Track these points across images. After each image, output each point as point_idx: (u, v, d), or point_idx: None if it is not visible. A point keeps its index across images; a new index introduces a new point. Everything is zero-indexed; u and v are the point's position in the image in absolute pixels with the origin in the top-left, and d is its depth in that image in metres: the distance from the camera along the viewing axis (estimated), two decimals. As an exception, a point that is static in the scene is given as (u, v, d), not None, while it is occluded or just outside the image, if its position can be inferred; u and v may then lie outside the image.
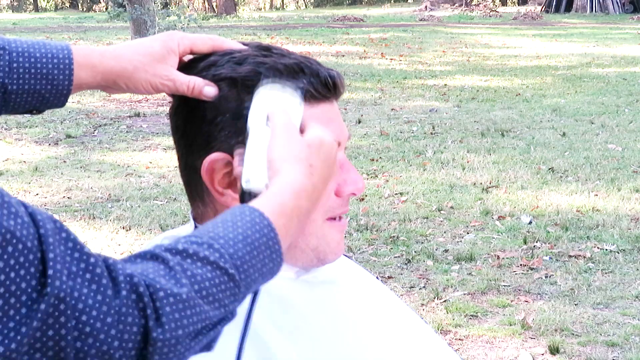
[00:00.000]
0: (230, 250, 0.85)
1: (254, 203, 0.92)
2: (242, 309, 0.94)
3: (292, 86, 1.04)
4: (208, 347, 0.87)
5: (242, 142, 1.03)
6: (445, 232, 5.24)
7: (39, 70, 1.04)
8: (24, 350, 0.74)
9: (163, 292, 0.80)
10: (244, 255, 0.86)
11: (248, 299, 0.93)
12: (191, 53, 1.12)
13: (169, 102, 1.16)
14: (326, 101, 1.10)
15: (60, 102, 1.07)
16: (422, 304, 4.18)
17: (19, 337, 0.73)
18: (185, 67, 1.11)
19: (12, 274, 0.73)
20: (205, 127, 1.07)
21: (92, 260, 0.79)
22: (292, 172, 0.95)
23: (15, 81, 1.03)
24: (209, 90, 1.07)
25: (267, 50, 1.10)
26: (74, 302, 0.76)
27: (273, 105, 1.02)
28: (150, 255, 0.84)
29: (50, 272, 0.75)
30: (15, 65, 1.03)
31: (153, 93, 1.11)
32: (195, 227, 1.13)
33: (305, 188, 0.95)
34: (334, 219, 1.13)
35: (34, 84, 1.04)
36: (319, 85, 1.08)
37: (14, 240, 0.74)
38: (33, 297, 0.74)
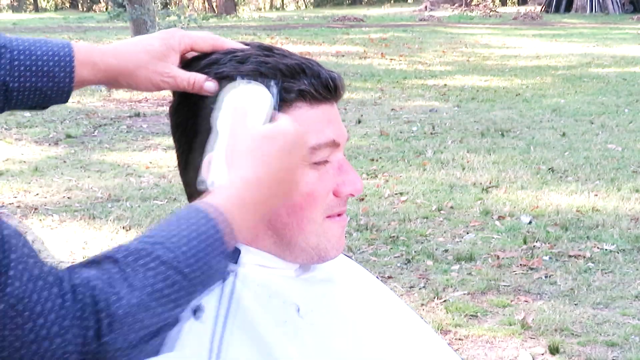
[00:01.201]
0: (183, 248, 0.86)
1: (203, 200, 0.93)
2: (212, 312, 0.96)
3: (260, 83, 1.05)
4: (156, 351, 0.87)
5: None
6: (445, 232, 5.25)
7: (40, 68, 1.04)
8: None
9: (115, 296, 0.80)
10: (197, 253, 0.87)
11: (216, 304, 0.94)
12: (192, 51, 1.13)
13: (169, 102, 1.16)
14: (326, 102, 1.10)
15: (62, 98, 1.07)
16: (422, 304, 4.19)
17: None
18: (187, 65, 1.11)
19: None
20: (206, 125, 1.07)
21: (45, 268, 0.80)
22: (244, 164, 0.97)
23: (16, 79, 1.03)
24: (210, 85, 1.07)
25: (269, 50, 1.10)
26: (33, 304, 0.76)
27: (233, 106, 1.03)
28: (104, 258, 0.84)
29: (11, 272, 0.75)
30: (16, 63, 1.03)
31: (154, 90, 1.12)
32: None
33: (258, 177, 0.96)
34: (334, 216, 1.14)
35: (36, 82, 1.04)
36: (320, 86, 1.09)
37: None
38: None
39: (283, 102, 1.06)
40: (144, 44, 1.10)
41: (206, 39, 1.12)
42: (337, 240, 1.13)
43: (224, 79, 1.07)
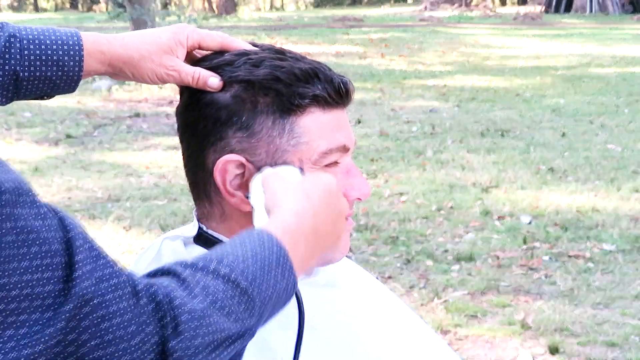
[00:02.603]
0: (240, 265, 0.84)
1: (259, 227, 0.92)
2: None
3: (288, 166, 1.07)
4: None
5: (256, 146, 1.06)
6: (445, 232, 5.25)
7: (49, 57, 1.05)
8: (48, 354, 0.72)
9: (179, 300, 0.79)
10: (255, 271, 0.85)
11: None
12: (200, 48, 1.13)
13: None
14: (338, 107, 1.11)
15: (71, 87, 1.08)
16: (422, 304, 4.19)
17: (44, 339, 0.72)
18: (198, 62, 1.12)
19: (37, 275, 0.72)
20: (219, 127, 1.08)
21: (116, 268, 0.78)
22: (291, 199, 0.96)
23: (27, 68, 1.04)
24: (214, 81, 1.08)
25: (281, 53, 1.10)
26: (98, 307, 0.75)
27: (267, 175, 1.05)
28: (162, 272, 0.84)
29: (77, 273, 0.74)
30: (26, 52, 1.04)
31: (158, 83, 1.12)
32: (200, 227, 1.14)
33: (304, 208, 0.95)
34: None
35: (45, 71, 1.05)
36: (333, 91, 1.09)
37: (39, 242, 0.73)
38: (58, 301, 0.73)
39: (297, 107, 1.07)
40: (153, 36, 1.10)
41: (215, 36, 1.12)
42: (343, 244, 1.14)
43: (239, 83, 1.07)
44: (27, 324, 0.72)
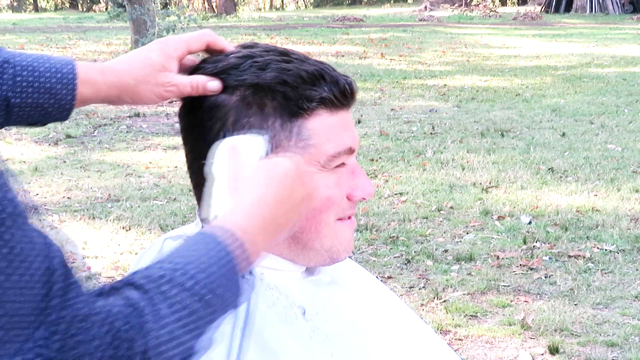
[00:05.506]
0: (202, 275, 0.85)
1: (214, 226, 0.92)
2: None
3: (254, 132, 1.06)
4: None
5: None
6: (444, 232, 5.25)
7: (42, 85, 1.04)
8: None
9: (145, 325, 0.79)
10: (217, 279, 0.86)
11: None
12: (189, 54, 1.13)
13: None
14: (344, 109, 1.12)
15: (63, 116, 1.07)
16: (422, 304, 4.19)
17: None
18: (198, 69, 1.12)
19: (23, 294, 0.72)
20: (227, 130, 1.08)
21: (88, 300, 0.79)
22: (247, 189, 0.97)
23: (18, 94, 1.03)
24: (213, 84, 1.08)
25: (286, 55, 1.10)
26: (68, 337, 0.75)
27: (228, 147, 1.05)
28: (125, 285, 0.83)
29: (69, 295, 0.75)
30: (19, 78, 1.03)
31: (159, 102, 1.12)
32: (203, 227, 1.14)
33: (262, 197, 0.95)
34: (345, 219, 1.16)
35: (37, 98, 1.04)
36: (339, 93, 1.10)
37: (27, 262, 0.73)
38: (40, 319, 0.73)
39: (304, 110, 1.07)
40: (142, 58, 1.10)
41: (199, 37, 1.13)
42: (347, 242, 1.16)
43: (246, 86, 1.07)
44: (9, 344, 0.72)
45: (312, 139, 1.08)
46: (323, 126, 1.09)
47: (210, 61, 1.12)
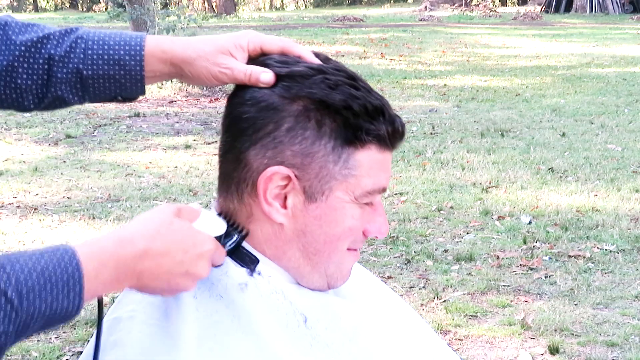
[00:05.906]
0: (20, 276, 0.87)
1: (69, 244, 0.94)
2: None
3: (227, 226, 1.10)
4: None
5: (309, 165, 1.07)
6: (444, 232, 5.24)
7: (111, 57, 1.10)
8: None
9: None
10: (34, 285, 0.88)
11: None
12: (261, 51, 1.14)
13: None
14: (391, 150, 1.14)
15: (138, 88, 1.12)
16: (422, 304, 4.18)
17: None
18: (261, 62, 1.13)
19: None
20: (279, 134, 1.08)
21: None
22: (128, 226, 1.00)
23: (89, 67, 1.10)
24: (266, 76, 1.09)
25: (354, 80, 1.11)
26: None
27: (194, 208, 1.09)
28: None
29: None
30: (90, 52, 1.10)
31: (213, 82, 1.14)
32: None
33: (131, 239, 0.98)
34: (352, 250, 1.17)
35: (107, 69, 1.11)
36: (393, 134, 1.12)
37: None
38: None
39: (359, 141, 1.08)
40: (213, 38, 1.14)
41: (275, 41, 1.15)
42: (347, 272, 1.17)
43: (313, 100, 1.07)
44: None
45: (356, 170, 1.09)
46: (369, 161, 1.10)
47: (278, 59, 1.12)
